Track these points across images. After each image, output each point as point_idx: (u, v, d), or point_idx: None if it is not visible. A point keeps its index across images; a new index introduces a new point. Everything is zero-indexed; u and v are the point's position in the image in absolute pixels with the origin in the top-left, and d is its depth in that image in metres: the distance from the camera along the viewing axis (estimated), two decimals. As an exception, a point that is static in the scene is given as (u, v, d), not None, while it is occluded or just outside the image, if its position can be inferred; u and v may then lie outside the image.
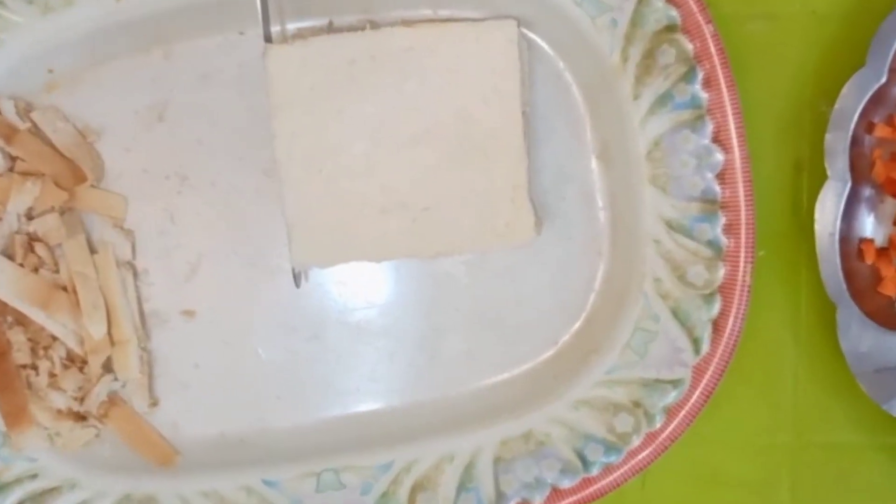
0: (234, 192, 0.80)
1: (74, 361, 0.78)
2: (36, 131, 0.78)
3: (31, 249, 0.78)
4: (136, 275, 0.80)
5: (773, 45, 0.80)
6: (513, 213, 0.77)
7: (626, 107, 0.77)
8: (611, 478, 0.77)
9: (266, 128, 0.78)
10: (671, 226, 0.77)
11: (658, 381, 0.77)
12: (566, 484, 0.77)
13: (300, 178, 0.77)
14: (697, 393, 0.76)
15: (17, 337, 0.77)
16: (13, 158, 0.78)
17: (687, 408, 0.76)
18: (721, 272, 0.76)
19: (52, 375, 0.78)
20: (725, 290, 0.76)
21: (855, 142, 0.76)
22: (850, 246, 0.78)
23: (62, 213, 0.78)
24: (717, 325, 0.76)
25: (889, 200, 0.78)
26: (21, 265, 0.77)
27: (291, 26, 0.79)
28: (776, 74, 0.80)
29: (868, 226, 0.79)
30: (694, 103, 0.75)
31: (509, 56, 0.77)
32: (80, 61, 0.79)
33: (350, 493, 0.78)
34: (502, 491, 0.77)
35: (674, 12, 0.75)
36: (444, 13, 0.79)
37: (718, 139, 0.75)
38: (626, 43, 0.76)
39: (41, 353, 0.78)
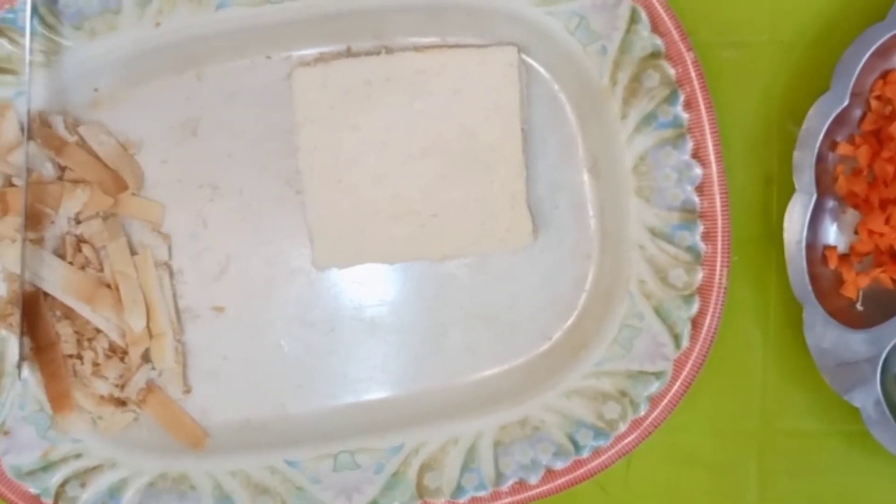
0: (259, 199, 0.80)
1: (116, 352, 0.79)
2: (83, 144, 0.78)
3: (79, 250, 0.78)
4: (171, 274, 0.80)
5: (745, 70, 0.80)
6: (512, 219, 0.78)
7: (614, 125, 0.77)
8: (599, 460, 0.77)
9: (287, 141, 0.79)
10: (654, 233, 0.77)
11: (642, 372, 0.77)
12: (559, 465, 0.77)
13: (321, 186, 0.78)
14: (678, 384, 0.76)
15: (65, 329, 0.77)
16: (62, 168, 0.78)
17: (668, 397, 0.76)
18: (699, 275, 0.76)
19: (95, 365, 0.78)
20: (703, 291, 0.76)
21: (820, 158, 0.76)
22: (816, 252, 0.78)
23: (106, 217, 0.78)
24: (695, 323, 0.76)
25: (850, 211, 0.79)
26: (70, 263, 0.77)
27: (314, 51, 0.80)
28: (749, 97, 0.81)
29: (831, 234, 0.79)
30: (676, 123, 0.76)
31: (509, 78, 0.77)
32: (122, 81, 0.79)
33: (364, 473, 0.78)
34: (501, 471, 0.77)
35: (658, 41, 0.75)
36: (451, 40, 0.79)
37: (697, 155, 0.76)
38: (615, 68, 0.77)
39: (86, 344, 0.78)
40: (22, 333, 0.78)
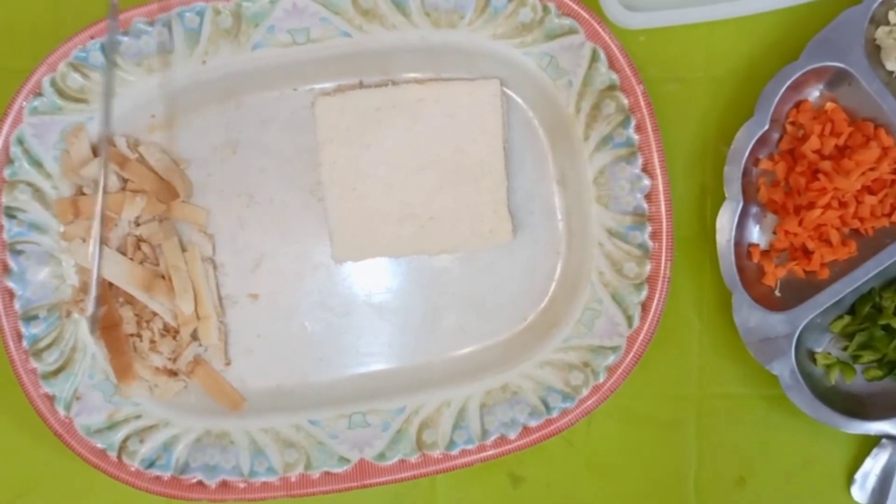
0: (287, 206, 0.80)
1: (169, 331, 0.79)
2: (142, 160, 0.78)
3: (139, 248, 0.78)
4: (215, 267, 0.80)
5: (685, 101, 0.81)
6: (495, 222, 0.78)
7: (578, 145, 0.78)
8: (566, 419, 0.77)
9: (311, 158, 0.79)
10: (611, 233, 0.77)
11: (601, 347, 0.77)
12: (533, 423, 0.77)
13: (339, 195, 0.78)
14: (630, 356, 0.77)
15: (127, 313, 0.78)
16: (125, 180, 0.78)
17: (622, 367, 0.77)
18: (648, 267, 0.76)
19: (152, 342, 0.78)
20: (651, 280, 0.76)
21: (745, 172, 0.77)
22: (742, 249, 0.79)
23: (161, 221, 0.78)
24: (644, 307, 0.76)
25: (770, 216, 0.79)
26: (131, 259, 0.78)
27: (332, 84, 0.79)
28: (688, 122, 0.81)
29: (755, 234, 0.80)
30: (628, 143, 0.76)
31: (493, 106, 0.78)
32: (175, 109, 0.79)
33: (373, 430, 0.78)
34: (486, 428, 0.77)
35: (614, 76, 0.76)
36: (445, 74, 0.79)
37: (646, 169, 0.76)
38: (579, 98, 0.77)
39: (144, 325, 0.78)
40: (94, 317, 0.76)
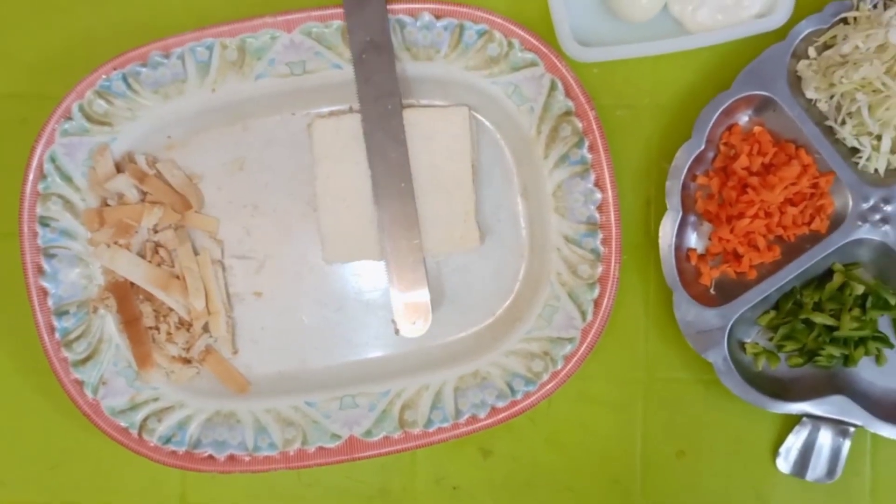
0: (287, 215, 0.80)
1: (183, 325, 0.78)
2: (159, 175, 0.78)
3: (157, 252, 0.78)
4: (223, 269, 0.80)
5: (632, 124, 0.80)
6: (465, 229, 0.78)
7: (539, 163, 0.77)
8: (529, 400, 0.77)
9: (308, 174, 0.78)
10: (568, 239, 0.77)
11: (559, 338, 0.77)
12: (500, 404, 0.77)
13: (331, 205, 0.77)
14: (584, 346, 0.76)
15: (146, 308, 0.78)
16: (144, 193, 0.78)
17: (577, 356, 0.76)
18: (599, 269, 0.76)
19: (168, 334, 0.78)
20: (602, 280, 0.76)
21: (684, 186, 0.77)
22: (681, 253, 0.78)
23: (176, 228, 0.78)
24: (596, 303, 0.76)
25: (705, 224, 0.79)
26: (150, 262, 0.78)
27: (326, 109, 0.79)
28: (634, 143, 0.80)
29: (692, 240, 0.80)
30: (582, 161, 0.76)
31: (463, 130, 0.77)
32: (188, 130, 0.79)
33: (361, 410, 0.78)
34: (459, 409, 0.77)
35: (570, 103, 0.75)
36: (423, 101, 0.79)
37: (598, 184, 0.76)
38: (540, 122, 0.77)
39: (162, 319, 0.78)
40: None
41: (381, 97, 0.75)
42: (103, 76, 0.76)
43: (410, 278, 0.77)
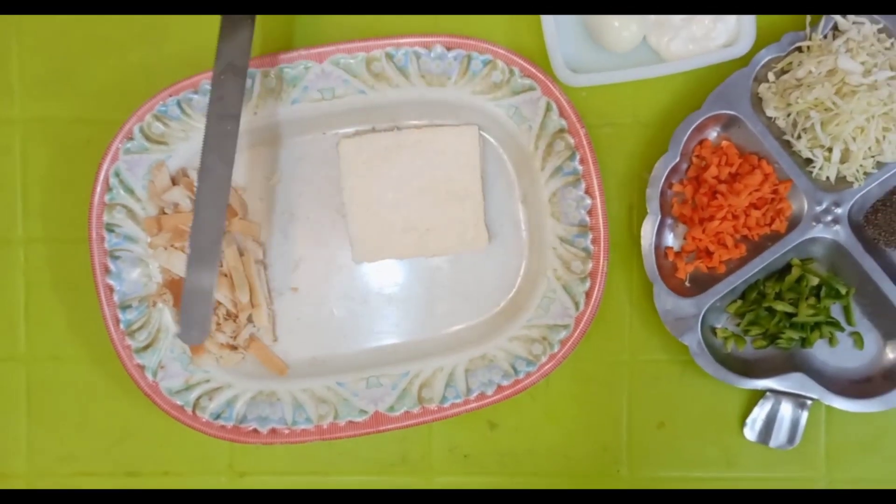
0: (320, 221, 0.81)
1: (230, 316, 0.79)
2: None
3: None
4: (265, 268, 0.80)
5: (617, 140, 0.81)
6: (475, 232, 0.79)
7: (536, 174, 0.79)
8: (529, 379, 0.78)
9: (336, 186, 0.79)
10: (562, 240, 0.78)
11: (556, 325, 0.78)
12: (505, 383, 0.78)
13: (358, 213, 0.79)
14: (577, 332, 0.77)
15: None
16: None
17: (571, 340, 0.77)
18: (590, 265, 0.77)
19: (217, 324, 0.79)
20: (592, 275, 0.77)
21: (662, 193, 0.78)
22: (660, 251, 0.79)
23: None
24: (587, 295, 0.77)
25: (681, 226, 0.80)
26: None
27: (352, 129, 0.80)
28: (619, 156, 0.81)
29: (670, 239, 0.81)
30: (574, 172, 0.77)
31: (473, 146, 0.78)
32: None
33: (385, 389, 0.79)
34: (470, 387, 0.78)
35: (564, 122, 0.76)
36: (437, 121, 0.80)
37: (588, 192, 0.77)
38: (537, 139, 0.78)
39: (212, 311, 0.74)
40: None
41: (226, 117, 0.72)
42: (161, 102, 0.77)
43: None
